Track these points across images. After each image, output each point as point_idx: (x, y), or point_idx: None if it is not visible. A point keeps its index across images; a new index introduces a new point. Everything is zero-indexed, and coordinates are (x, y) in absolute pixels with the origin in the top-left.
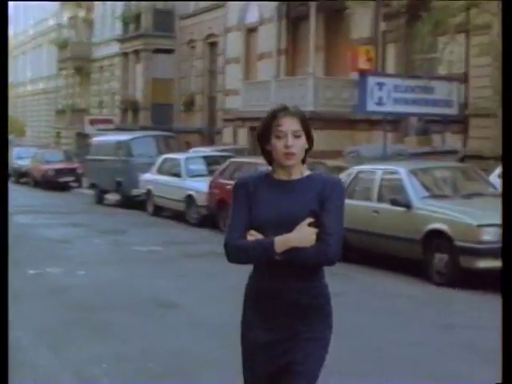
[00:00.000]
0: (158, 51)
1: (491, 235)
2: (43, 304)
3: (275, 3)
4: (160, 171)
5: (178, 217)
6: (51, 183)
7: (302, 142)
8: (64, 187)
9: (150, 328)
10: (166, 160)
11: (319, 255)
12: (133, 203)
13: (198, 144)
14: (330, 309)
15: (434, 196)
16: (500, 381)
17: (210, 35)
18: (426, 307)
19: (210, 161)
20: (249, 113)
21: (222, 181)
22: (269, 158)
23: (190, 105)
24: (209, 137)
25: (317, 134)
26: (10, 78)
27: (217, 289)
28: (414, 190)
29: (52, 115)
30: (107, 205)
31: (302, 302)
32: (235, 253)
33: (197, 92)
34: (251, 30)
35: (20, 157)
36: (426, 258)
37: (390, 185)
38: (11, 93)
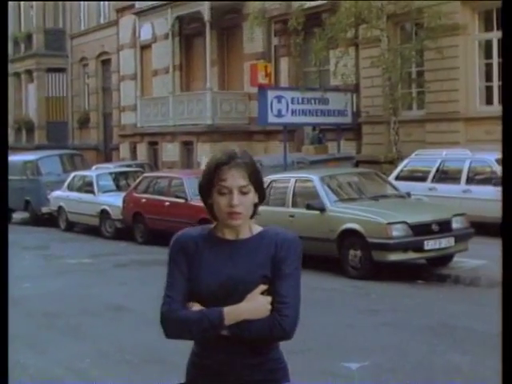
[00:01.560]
0: (50, 70)
1: (399, 231)
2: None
3: (169, 20)
4: (70, 188)
5: (92, 231)
6: None
7: (250, 198)
8: None
9: (112, 328)
10: (76, 177)
11: (274, 329)
12: (42, 221)
13: (94, 160)
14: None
15: (344, 199)
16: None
17: (103, 53)
18: (348, 297)
19: (118, 176)
20: (147, 128)
21: (136, 195)
22: (211, 212)
23: (84, 122)
24: (105, 153)
25: (216, 146)
26: None
27: (155, 292)
28: (326, 195)
29: None
30: (15, 223)
31: (257, 378)
32: (176, 328)
33: (91, 109)
34: (145, 47)
35: None
36: (341, 256)
37: (303, 191)
38: None
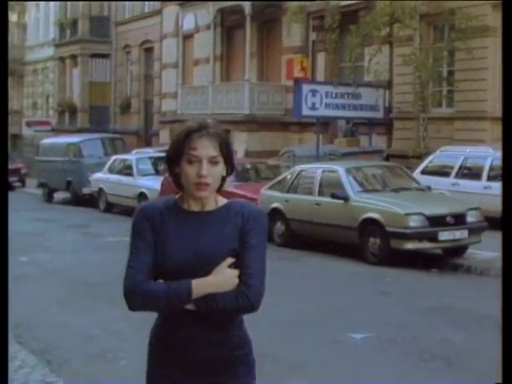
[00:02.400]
0: (94, 56)
1: (416, 222)
2: (47, 282)
3: (211, 11)
4: (111, 170)
5: (130, 212)
6: None
7: (219, 169)
8: (8, 187)
9: None
10: (116, 160)
11: (240, 300)
12: (82, 201)
13: (134, 145)
14: (254, 359)
15: (367, 190)
16: (500, 381)
17: (146, 41)
18: (364, 280)
19: (157, 161)
20: (186, 115)
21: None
22: (177, 182)
23: (126, 107)
24: (145, 138)
25: (252, 136)
26: None
27: None
28: (350, 186)
29: None
30: (57, 203)
31: (222, 354)
32: (142, 300)
33: (133, 95)
34: (187, 37)
35: None
36: (362, 243)
37: (329, 181)
38: None
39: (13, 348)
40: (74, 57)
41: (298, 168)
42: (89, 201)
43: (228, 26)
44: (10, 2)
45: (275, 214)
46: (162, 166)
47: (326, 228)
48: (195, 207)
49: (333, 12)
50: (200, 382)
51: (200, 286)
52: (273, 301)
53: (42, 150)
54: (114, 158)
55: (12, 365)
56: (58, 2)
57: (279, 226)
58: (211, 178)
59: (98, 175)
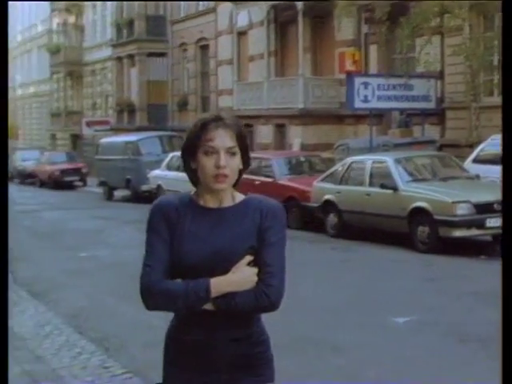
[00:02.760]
0: (151, 55)
1: (464, 210)
2: (105, 276)
3: (264, 8)
4: (169, 167)
5: None
6: (57, 183)
7: (237, 161)
8: (69, 186)
9: None
10: (174, 157)
11: (260, 299)
12: (141, 198)
13: None
14: (272, 355)
15: (416, 180)
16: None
17: (202, 39)
18: (412, 267)
19: None
20: (243, 111)
21: None
22: (193, 177)
23: (183, 105)
24: None
25: (307, 129)
26: None
27: None
28: (399, 176)
29: (44, 118)
30: (116, 200)
31: (242, 351)
32: (159, 300)
33: (190, 93)
34: (242, 34)
35: (23, 159)
36: (411, 231)
37: (379, 172)
38: None
39: (72, 337)
40: (131, 56)
41: (349, 160)
42: (148, 198)
43: (281, 21)
44: (67, 5)
45: (328, 206)
46: None
47: (376, 218)
48: (212, 203)
49: (382, 5)
50: (220, 381)
51: (219, 284)
52: (323, 288)
53: (102, 149)
54: (171, 155)
55: (71, 352)
56: (114, 3)
57: (332, 218)
58: (229, 170)
59: (157, 172)
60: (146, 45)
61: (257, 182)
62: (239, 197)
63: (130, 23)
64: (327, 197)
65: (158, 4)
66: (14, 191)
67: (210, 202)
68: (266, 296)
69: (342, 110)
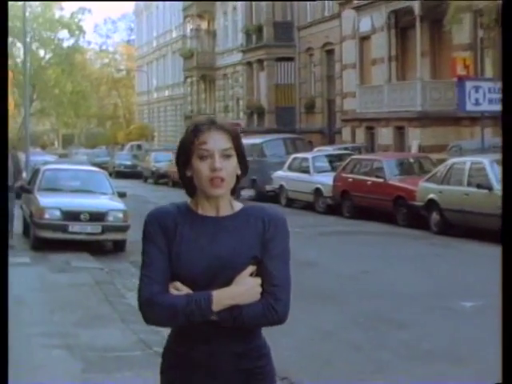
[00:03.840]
0: (279, 59)
1: None
2: None
3: (384, 13)
4: (290, 168)
5: (308, 207)
6: None
7: (233, 163)
8: None
9: (301, 276)
10: (295, 159)
11: (268, 313)
12: (266, 197)
13: (319, 143)
14: (274, 369)
15: None
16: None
17: (327, 43)
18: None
19: (333, 158)
20: (365, 114)
21: (344, 175)
22: (189, 186)
23: (310, 107)
24: (329, 136)
25: (425, 131)
26: (136, 88)
27: (347, 254)
28: (494, 176)
29: (178, 120)
30: (242, 199)
31: (244, 367)
32: (160, 313)
33: (316, 95)
34: (364, 38)
35: (157, 160)
36: None
37: (476, 172)
38: (137, 100)
39: None
40: (260, 61)
41: (450, 161)
42: (272, 197)
43: (402, 26)
44: (200, 11)
45: (431, 205)
46: (337, 163)
47: (474, 216)
48: (210, 211)
49: (490, 10)
50: None
51: (222, 296)
52: (410, 278)
53: None
54: (293, 156)
55: None
56: (244, 10)
57: (435, 216)
58: (225, 173)
59: (279, 173)
60: (275, 50)
61: (369, 183)
62: (237, 205)
63: (259, 29)
64: (430, 196)
65: (285, 10)
66: (148, 191)
67: (207, 210)
68: (275, 311)
69: (459, 111)
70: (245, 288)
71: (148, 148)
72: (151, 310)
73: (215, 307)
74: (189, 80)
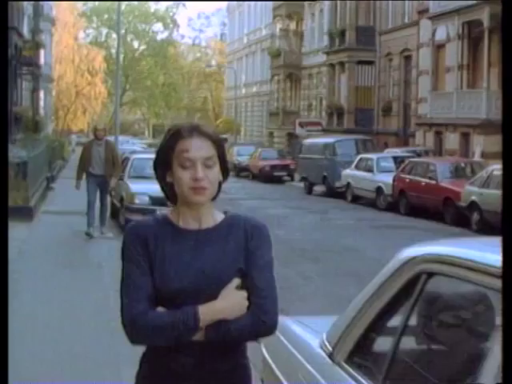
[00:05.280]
0: (360, 63)
1: None
2: (276, 248)
3: (456, 24)
4: (357, 168)
5: (370, 204)
6: (267, 177)
7: (216, 171)
8: (278, 180)
9: (340, 259)
10: (361, 159)
11: (257, 326)
12: (335, 193)
13: (394, 144)
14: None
15: None
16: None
17: (405, 49)
18: None
19: (398, 160)
20: (435, 119)
21: (402, 175)
22: (169, 192)
23: (387, 110)
24: (404, 138)
25: (489, 138)
26: (226, 83)
27: (389, 244)
28: None
29: (264, 116)
30: (314, 195)
31: (223, 369)
32: (144, 334)
33: (393, 99)
34: (440, 46)
35: (239, 154)
36: None
37: None
38: (226, 95)
39: None
40: (341, 63)
41: (491, 167)
42: (341, 193)
43: (473, 37)
44: (289, 11)
45: (473, 206)
46: (400, 164)
47: None
48: (192, 224)
49: None
50: None
51: (208, 312)
52: None
53: (304, 148)
54: (359, 156)
55: None
56: (329, 13)
57: (475, 216)
58: (207, 182)
59: (347, 171)
60: (356, 53)
61: (423, 183)
62: (219, 215)
63: (342, 33)
64: (473, 198)
65: (368, 15)
66: (228, 182)
67: (189, 222)
68: (263, 323)
69: None
70: (231, 302)
71: (233, 142)
72: (135, 331)
73: (202, 323)
74: (276, 78)
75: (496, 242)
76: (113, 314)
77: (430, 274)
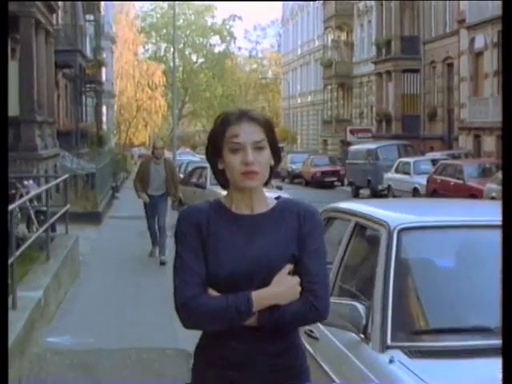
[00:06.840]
0: (405, 71)
1: None
2: None
3: (493, 33)
4: (397, 171)
5: None
6: (319, 183)
7: (267, 155)
8: (329, 186)
9: None
10: (400, 162)
11: (309, 311)
12: (379, 196)
13: (439, 148)
14: (308, 366)
15: None
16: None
17: (448, 57)
18: None
19: (436, 162)
20: (474, 123)
21: (434, 176)
22: (222, 179)
23: (432, 116)
24: (448, 142)
25: None
26: (282, 93)
27: None
28: None
29: (318, 125)
30: (361, 198)
31: (280, 367)
32: (200, 317)
33: (438, 105)
34: (478, 54)
35: (293, 161)
36: None
37: None
38: (282, 105)
39: None
40: (388, 72)
41: None
42: (384, 196)
43: None
44: (339, 22)
45: None
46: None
47: None
48: (244, 209)
49: None
50: None
51: (261, 297)
52: None
53: (350, 154)
54: (398, 160)
55: None
56: (375, 25)
57: None
58: (258, 166)
59: (388, 175)
60: (402, 62)
61: (452, 183)
62: (271, 201)
63: (388, 43)
64: (493, 194)
65: (412, 25)
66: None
67: (242, 208)
68: (315, 308)
69: None
70: (284, 287)
71: (289, 150)
72: (188, 314)
73: (255, 308)
74: (328, 87)
75: (374, 201)
76: (170, 292)
77: (330, 219)
